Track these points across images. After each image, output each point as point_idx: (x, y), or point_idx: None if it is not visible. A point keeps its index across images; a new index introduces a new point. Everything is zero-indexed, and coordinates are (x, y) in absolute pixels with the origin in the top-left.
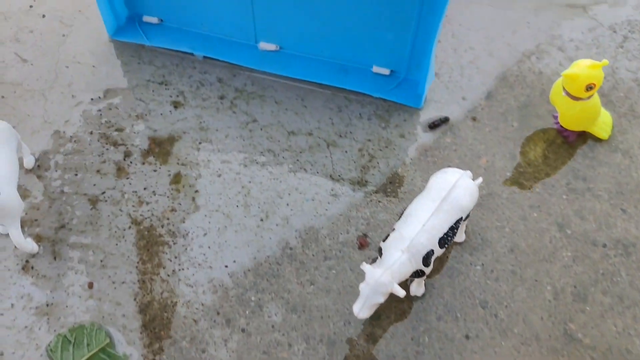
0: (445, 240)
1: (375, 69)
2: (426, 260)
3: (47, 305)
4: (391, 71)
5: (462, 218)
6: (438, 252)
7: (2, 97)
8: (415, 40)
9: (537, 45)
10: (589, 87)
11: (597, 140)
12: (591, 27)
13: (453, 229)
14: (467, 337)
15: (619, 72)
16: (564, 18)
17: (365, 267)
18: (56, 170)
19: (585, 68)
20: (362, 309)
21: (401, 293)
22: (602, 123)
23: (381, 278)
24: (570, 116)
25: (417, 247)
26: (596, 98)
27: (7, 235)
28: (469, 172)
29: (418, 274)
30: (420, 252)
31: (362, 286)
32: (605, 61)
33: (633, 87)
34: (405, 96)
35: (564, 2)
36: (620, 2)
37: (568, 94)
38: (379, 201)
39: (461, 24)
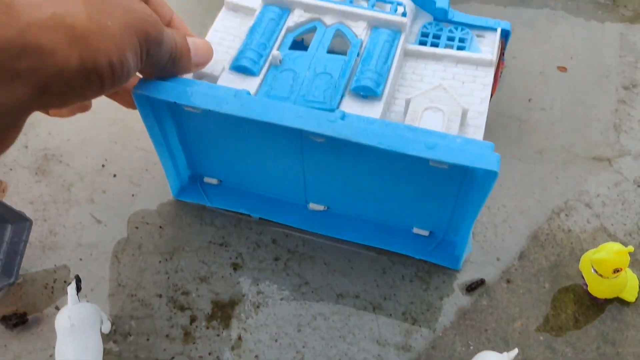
0: None
1: (416, 230)
2: None
3: None
4: (430, 232)
5: None
6: None
7: (80, 259)
8: (454, 211)
9: (565, 202)
10: (616, 270)
11: (624, 301)
12: (617, 181)
13: None
14: None
15: None
16: (590, 172)
17: None
18: (130, 335)
19: (612, 254)
20: None
21: None
22: (630, 287)
23: None
24: (599, 290)
25: None
26: (623, 273)
27: None
28: (506, 355)
29: None
30: None
31: None
32: (630, 248)
33: None
34: (443, 258)
35: (590, 155)
36: None
37: (596, 271)
38: None
39: None
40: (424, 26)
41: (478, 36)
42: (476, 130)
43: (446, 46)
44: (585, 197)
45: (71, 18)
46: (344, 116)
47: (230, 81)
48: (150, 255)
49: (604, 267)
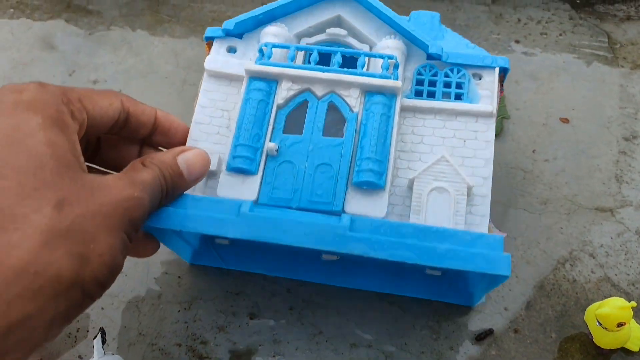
0: None
1: (429, 271)
2: None
3: None
4: (443, 273)
5: None
6: None
7: (102, 308)
8: (466, 287)
9: (570, 252)
10: (620, 324)
11: (630, 352)
12: (619, 232)
13: None
14: None
15: None
16: (594, 223)
17: None
18: None
19: (616, 309)
20: None
21: None
22: (635, 338)
23: None
24: (604, 342)
25: None
26: (627, 326)
27: None
28: None
29: None
30: None
31: None
32: (633, 303)
33: None
34: (457, 296)
35: (593, 205)
36: None
37: (601, 324)
38: None
39: (499, 228)
40: (418, 71)
41: (475, 75)
42: (483, 201)
43: (443, 94)
44: (589, 247)
45: (55, 269)
46: (351, 225)
47: (231, 184)
48: (170, 305)
49: (608, 321)
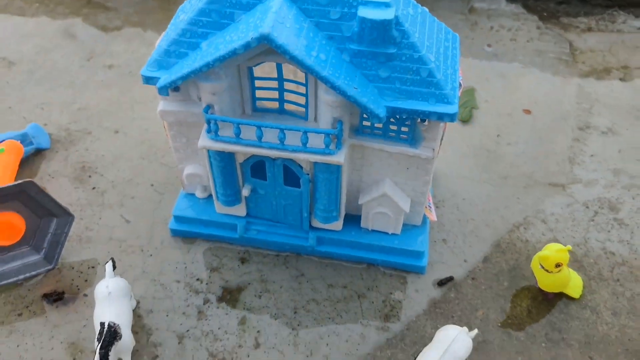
0: None
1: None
2: None
3: None
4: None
5: None
6: None
7: (108, 252)
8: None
9: (524, 218)
10: (558, 265)
11: (571, 298)
12: (569, 203)
13: None
14: None
15: (590, 242)
16: (547, 195)
17: None
18: (152, 311)
19: (554, 251)
20: None
21: None
22: (574, 285)
23: None
24: (546, 283)
25: None
26: (565, 270)
27: None
28: (465, 329)
29: None
30: None
31: None
32: (569, 247)
33: (601, 254)
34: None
35: (547, 181)
36: (592, 182)
37: (543, 267)
38: (397, 345)
39: (464, 198)
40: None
41: (421, 120)
42: (420, 207)
43: (390, 132)
44: (542, 214)
45: None
46: (317, 242)
47: (225, 209)
48: (170, 250)
49: (548, 262)
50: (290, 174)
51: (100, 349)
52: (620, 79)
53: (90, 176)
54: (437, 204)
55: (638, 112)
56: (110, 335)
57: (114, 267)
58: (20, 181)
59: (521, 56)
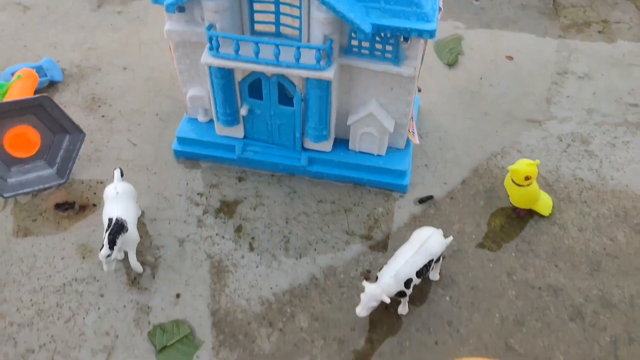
0: (421, 272)
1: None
2: (407, 284)
3: (148, 307)
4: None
5: (433, 260)
6: (416, 280)
7: (114, 169)
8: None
9: (502, 148)
10: (527, 178)
11: (541, 216)
12: (544, 136)
13: (426, 266)
14: (436, 343)
15: (561, 170)
16: (524, 129)
17: (365, 284)
18: (155, 220)
19: (524, 165)
20: (361, 310)
21: (387, 300)
22: (544, 204)
23: (375, 290)
24: (517, 199)
25: (400, 275)
26: (534, 185)
27: (122, 260)
28: (440, 230)
29: (401, 294)
30: (402, 278)
31: (362, 295)
32: (537, 161)
33: (571, 180)
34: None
35: (525, 118)
36: (567, 119)
37: (514, 182)
38: (379, 251)
39: (447, 131)
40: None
41: (404, 38)
42: (403, 128)
43: (376, 51)
44: (518, 146)
45: None
46: (308, 163)
47: (225, 130)
48: (174, 169)
49: (518, 175)
50: (285, 93)
51: (108, 235)
52: (600, 32)
53: (99, 106)
54: (421, 134)
55: (614, 60)
56: (117, 226)
57: (122, 175)
58: (37, 95)
59: (506, 10)
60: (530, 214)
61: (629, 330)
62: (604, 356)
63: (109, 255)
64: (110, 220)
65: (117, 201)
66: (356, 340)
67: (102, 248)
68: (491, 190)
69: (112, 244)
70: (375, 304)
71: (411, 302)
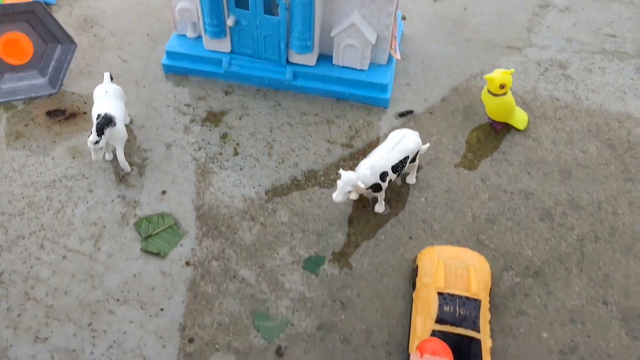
0: (397, 168)
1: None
2: (382, 177)
3: (135, 202)
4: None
5: (408, 157)
6: (391, 175)
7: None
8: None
9: (481, 71)
10: (502, 86)
11: (517, 131)
12: (523, 61)
13: (402, 162)
14: (410, 237)
15: (538, 90)
16: (504, 55)
17: (342, 171)
18: (144, 127)
19: (499, 73)
20: (337, 195)
21: (362, 185)
22: (520, 118)
23: (351, 175)
24: (493, 109)
25: (376, 167)
26: (509, 96)
27: (111, 160)
28: (416, 132)
29: (377, 187)
30: (378, 170)
31: (338, 181)
32: (512, 70)
33: (547, 100)
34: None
35: (505, 45)
36: (546, 46)
37: (490, 92)
38: (359, 158)
39: (429, 54)
40: None
41: None
42: (385, 42)
43: None
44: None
45: None
46: (293, 76)
47: (212, 43)
48: (163, 83)
49: (493, 84)
50: (270, 3)
51: (97, 124)
52: None
53: (92, 26)
54: (404, 57)
55: None
56: (105, 118)
57: (112, 79)
58: (29, 0)
59: None
60: (507, 128)
61: (596, 230)
62: (570, 252)
63: (96, 142)
64: (99, 115)
65: (106, 100)
66: (334, 234)
67: (90, 135)
68: (470, 107)
69: (100, 132)
70: (350, 188)
71: (388, 202)
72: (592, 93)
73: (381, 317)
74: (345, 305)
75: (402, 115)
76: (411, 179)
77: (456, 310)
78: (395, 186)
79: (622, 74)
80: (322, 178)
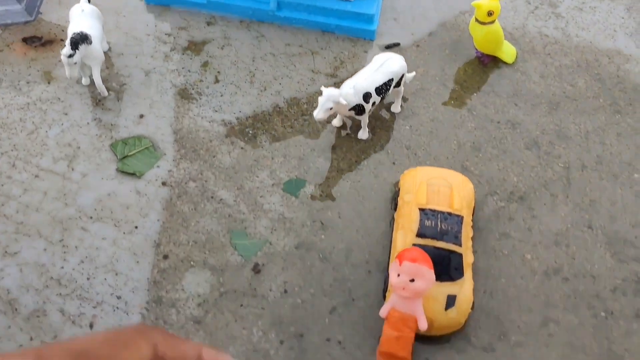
0: (380, 90)
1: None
2: (365, 98)
3: (112, 125)
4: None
5: (392, 80)
6: (375, 97)
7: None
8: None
9: (470, 8)
10: (490, 13)
11: (505, 65)
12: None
13: (386, 85)
14: (393, 163)
15: (528, 27)
16: None
17: (323, 87)
18: (122, 54)
19: (487, 0)
20: (318, 112)
21: (343, 102)
22: (508, 52)
23: (333, 91)
24: (480, 39)
25: (360, 86)
26: (497, 25)
27: (88, 85)
28: (401, 56)
29: (360, 109)
30: (361, 90)
31: (320, 97)
32: None
33: (535, 36)
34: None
35: None
36: None
37: (477, 20)
38: None
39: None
40: None
41: None
42: None
43: None
44: None
45: None
46: (277, 7)
47: None
48: (143, 14)
49: (481, 11)
50: None
51: (71, 38)
52: None
53: None
54: None
55: None
56: (81, 35)
57: (89, 1)
58: None
59: None
60: (495, 62)
61: (582, 159)
62: (556, 179)
63: (70, 56)
64: (74, 33)
65: (83, 18)
66: (315, 159)
67: (63, 48)
68: (458, 42)
69: (74, 45)
70: (331, 105)
71: (372, 130)
72: (582, 30)
73: (362, 237)
74: (325, 226)
75: (388, 47)
76: (396, 108)
77: (437, 225)
78: (380, 115)
79: (612, 13)
80: (305, 106)
